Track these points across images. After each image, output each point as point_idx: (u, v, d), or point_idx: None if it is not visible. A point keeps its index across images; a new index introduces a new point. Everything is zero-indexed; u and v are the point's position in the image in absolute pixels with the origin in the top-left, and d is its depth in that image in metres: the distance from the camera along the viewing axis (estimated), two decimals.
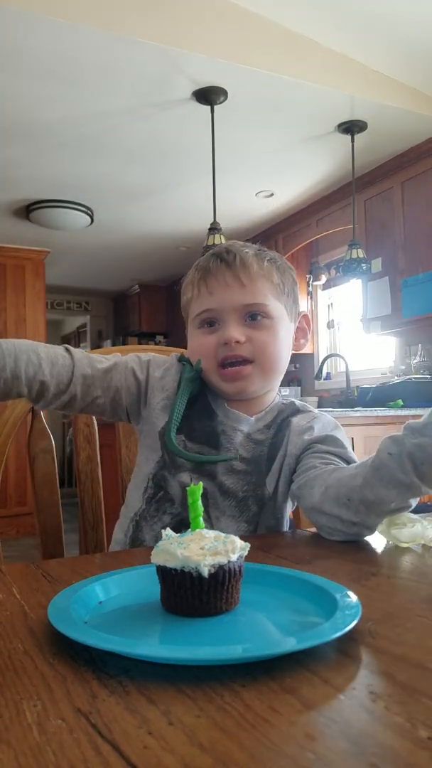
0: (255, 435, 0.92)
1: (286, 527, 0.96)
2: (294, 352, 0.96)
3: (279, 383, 0.96)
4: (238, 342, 0.86)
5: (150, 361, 0.94)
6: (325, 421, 0.95)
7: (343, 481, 0.79)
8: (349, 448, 0.92)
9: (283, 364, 0.92)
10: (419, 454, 0.71)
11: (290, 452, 0.92)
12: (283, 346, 0.91)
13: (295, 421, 0.94)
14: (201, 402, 0.93)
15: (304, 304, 4.91)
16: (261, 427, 0.93)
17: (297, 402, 0.98)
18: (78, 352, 0.89)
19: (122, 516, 0.97)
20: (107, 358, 0.92)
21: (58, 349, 0.88)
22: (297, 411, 0.96)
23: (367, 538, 0.79)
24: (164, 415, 0.90)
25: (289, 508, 0.97)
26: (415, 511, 0.88)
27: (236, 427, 0.91)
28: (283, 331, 0.91)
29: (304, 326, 0.98)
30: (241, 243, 0.93)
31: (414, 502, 0.77)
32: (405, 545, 0.73)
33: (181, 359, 0.95)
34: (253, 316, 0.88)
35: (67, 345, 0.91)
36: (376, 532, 0.76)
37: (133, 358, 0.94)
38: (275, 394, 0.97)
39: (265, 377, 0.89)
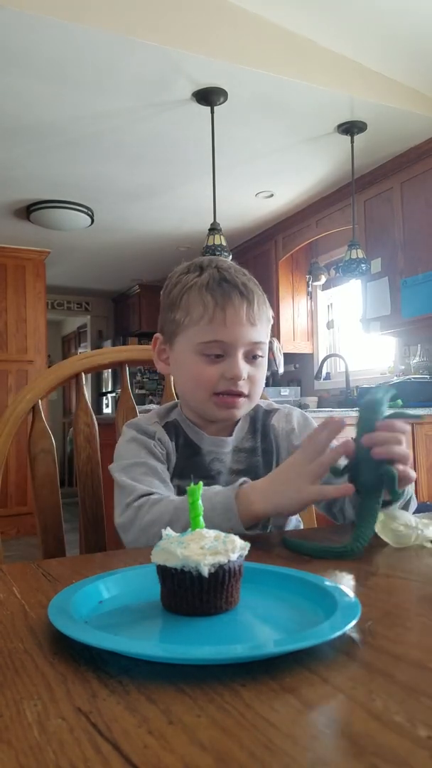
0: (242, 444, 0.96)
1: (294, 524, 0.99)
2: None
3: None
4: (243, 379, 0.88)
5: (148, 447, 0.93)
6: (297, 415, 1.00)
7: None
8: None
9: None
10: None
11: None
12: (264, 379, 0.95)
13: (276, 424, 0.98)
14: (183, 442, 0.95)
15: (303, 305, 4.91)
16: (243, 434, 0.97)
17: (260, 404, 1.01)
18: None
19: None
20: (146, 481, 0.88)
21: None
22: (268, 412, 1.00)
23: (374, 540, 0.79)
24: None
25: None
26: (414, 510, 0.88)
27: (222, 450, 0.95)
28: (265, 362, 0.95)
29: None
30: (240, 270, 0.94)
31: None
32: (399, 546, 0.73)
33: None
34: (254, 355, 0.91)
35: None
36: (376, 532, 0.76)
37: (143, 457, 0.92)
38: None
39: (251, 407, 0.94)
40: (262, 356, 0.92)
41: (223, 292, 0.88)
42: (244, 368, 0.88)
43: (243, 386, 0.89)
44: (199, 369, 0.89)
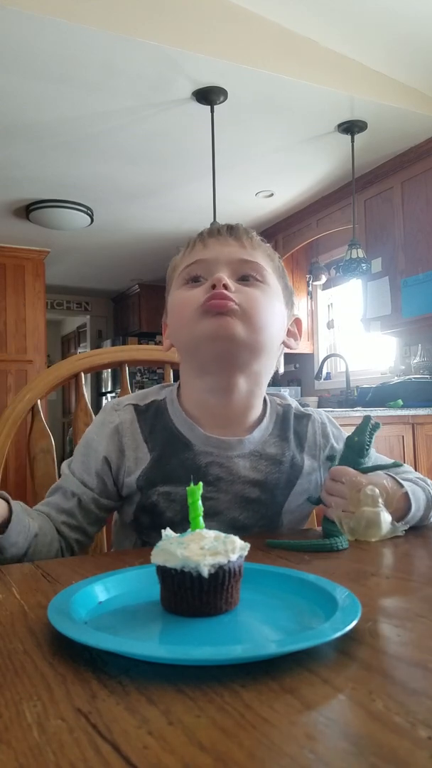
0: (267, 449, 0.82)
1: None
2: (285, 347, 0.86)
3: (267, 376, 0.83)
4: (226, 287, 0.74)
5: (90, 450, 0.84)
6: (331, 426, 0.90)
7: None
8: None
9: (271, 338, 0.78)
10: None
11: (316, 481, 0.86)
12: (275, 319, 0.79)
13: (310, 435, 0.86)
14: (166, 431, 0.81)
15: (304, 304, 4.91)
16: (267, 437, 0.82)
17: (292, 402, 0.90)
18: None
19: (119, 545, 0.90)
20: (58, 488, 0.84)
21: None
22: (300, 417, 0.88)
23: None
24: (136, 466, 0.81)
25: None
26: None
27: (227, 454, 0.79)
28: (277, 304, 0.80)
29: (296, 331, 0.88)
30: None
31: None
32: (354, 538, 0.73)
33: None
34: (245, 277, 0.77)
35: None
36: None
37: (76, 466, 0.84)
38: (263, 395, 0.86)
39: (250, 333, 0.75)
40: (260, 281, 0.78)
41: (209, 228, 0.83)
42: (228, 278, 0.75)
43: (231, 295, 0.74)
44: (183, 296, 0.78)
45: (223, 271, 0.76)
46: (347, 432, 0.80)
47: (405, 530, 0.76)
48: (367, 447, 0.76)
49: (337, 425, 0.92)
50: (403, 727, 0.31)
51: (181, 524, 0.72)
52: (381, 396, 3.34)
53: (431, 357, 3.67)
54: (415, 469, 0.84)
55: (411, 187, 3.58)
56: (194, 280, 0.78)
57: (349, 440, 0.77)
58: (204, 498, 0.73)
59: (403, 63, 2.95)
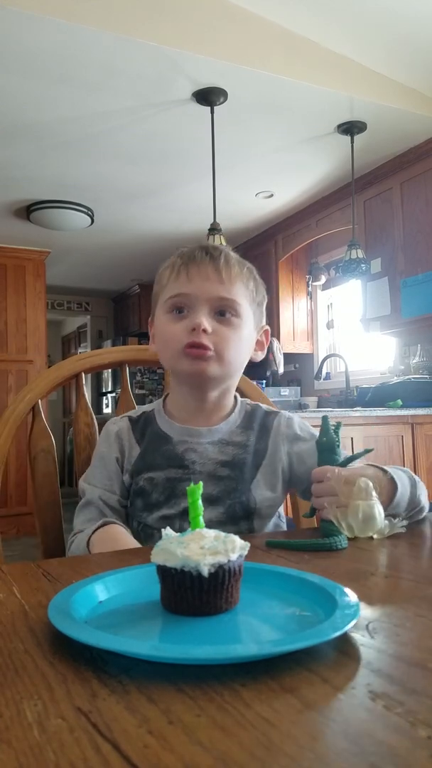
0: (231, 437, 0.95)
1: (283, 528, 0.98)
2: (251, 360, 0.99)
3: (235, 385, 0.99)
4: (204, 330, 0.87)
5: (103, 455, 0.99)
6: (299, 422, 1.01)
7: None
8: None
9: (240, 364, 0.94)
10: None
11: (281, 462, 0.96)
12: (244, 348, 0.94)
13: (276, 427, 0.98)
14: (152, 432, 0.97)
15: (303, 305, 4.91)
16: (233, 428, 0.96)
17: (261, 405, 1.03)
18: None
19: None
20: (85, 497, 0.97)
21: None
22: (268, 413, 1.01)
23: (366, 539, 0.79)
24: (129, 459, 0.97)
25: (281, 512, 1.00)
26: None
27: (196, 440, 0.94)
28: (246, 333, 0.93)
29: (263, 340, 1.00)
30: (228, 247, 0.98)
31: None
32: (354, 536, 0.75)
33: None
34: (222, 312, 0.90)
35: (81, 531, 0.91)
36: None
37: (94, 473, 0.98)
38: (232, 396, 1.00)
39: (222, 369, 0.90)
40: (234, 316, 0.90)
41: (190, 253, 0.93)
42: (207, 321, 0.88)
43: (207, 338, 0.87)
44: (167, 327, 0.91)
45: (203, 307, 0.89)
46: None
47: (405, 527, 0.77)
48: (337, 444, 0.83)
49: (305, 423, 1.03)
50: (403, 727, 0.32)
51: (166, 502, 0.91)
52: (380, 396, 3.34)
53: (431, 357, 3.67)
54: (415, 470, 0.87)
55: (410, 187, 3.58)
56: (178, 311, 0.91)
57: (318, 444, 0.84)
58: (182, 480, 0.90)
59: (403, 63, 2.95)
